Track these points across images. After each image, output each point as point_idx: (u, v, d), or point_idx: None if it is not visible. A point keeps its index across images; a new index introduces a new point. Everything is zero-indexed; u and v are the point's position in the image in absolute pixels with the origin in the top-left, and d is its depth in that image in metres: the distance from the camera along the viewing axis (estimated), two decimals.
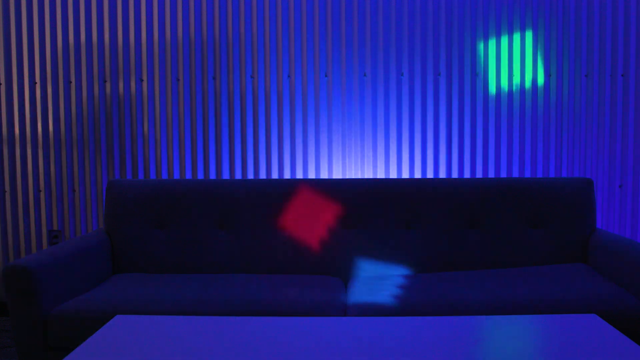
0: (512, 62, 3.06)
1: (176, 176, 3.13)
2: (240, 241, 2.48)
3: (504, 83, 3.07)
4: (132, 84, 3.14)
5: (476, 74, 3.07)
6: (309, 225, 2.48)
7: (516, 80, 3.07)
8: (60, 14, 3.13)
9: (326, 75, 3.09)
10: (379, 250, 2.45)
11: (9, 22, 3.15)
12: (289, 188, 2.52)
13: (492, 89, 3.07)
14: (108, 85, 3.14)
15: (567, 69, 3.06)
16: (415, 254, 2.44)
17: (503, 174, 3.08)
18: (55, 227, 3.22)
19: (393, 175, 3.10)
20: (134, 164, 3.14)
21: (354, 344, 1.42)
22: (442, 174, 3.09)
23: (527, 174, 3.08)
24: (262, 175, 3.12)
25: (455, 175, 3.09)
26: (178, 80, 3.12)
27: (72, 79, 3.16)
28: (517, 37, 3.06)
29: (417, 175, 3.09)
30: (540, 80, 3.06)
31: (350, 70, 3.08)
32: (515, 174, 3.08)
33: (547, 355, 1.32)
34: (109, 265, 2.47)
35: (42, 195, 3.21)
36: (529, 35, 3.06)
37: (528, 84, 3.06)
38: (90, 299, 2.05)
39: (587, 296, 1.98)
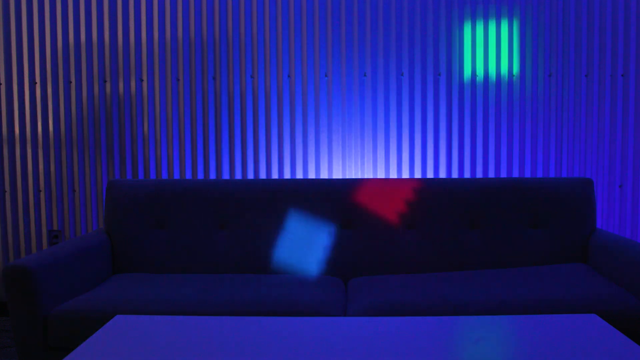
0: (513, 62, 3.06)
1: (176, 176, 3.13)
2: (240, 241, 2.48)
3: (504, 83, 3.07)
4: (132, 84, 3.14)
5: (476, 74, 3.07)
6: (309, 225, 2.48)
7: (516, 80, 3.07)
8: (60, 14, 3.13)
9: (326, 75, 3.09)
10: (379, 250, 2.45)
11: (9, 22, 3.15)
12: (289, 188, 2.52)
13: (492, 89, 3.07)
14: (108, 85, 3.14)
15: (567, 69, 3.06)
16: (415, 254, 2.44)
17: (503, 174, 3.08)
18: (55, 227, 3.22)
19: (393, 175, 3.10)
20: (134, 164, 3.14)
21: (354, 344, 1.42)
22: (442, 174, 3.09)
23: (527, 174, 3.08)
24: (262, 175, 3.12)
25: (455, 175, 3.09)
26: (178, 80, 3.12)
27: (72, 79, 3.16)
28: (516, 37, 3.06)
29: (417, 175, 3.09)
30: (540, 79, 3.07)
31: (350, 70, 3.08)
32: (515, 174, 3.08)
33: (547, 355, 1.32)
34: (109, 265, 2.47)
35: (42, 195, 3.21)
36: (528, 34, 3.06)
37: (528, 83, 3.06)
38: (90, 299, 2.05)
39: (587, 296, 1.97)
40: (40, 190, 3.21)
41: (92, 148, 3.17)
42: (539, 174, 3.08)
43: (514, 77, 3.07)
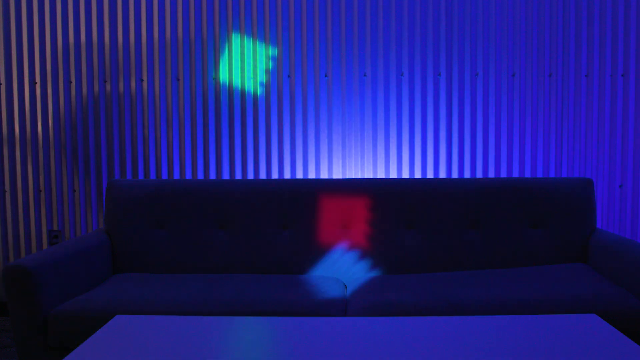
0: (513, 62, 3.06)
1: (176, 176, 3.13)
2: (240, 241, 2.48)
3: (504, 83, 3.07)
4: (132, 84, 3.14)
5: (476, 74, 3.07)
6: (309, 225, 2.48)
7: (516, 79, 3.07)
8: (60, 14, 3.13)
9: (326, 75, 3.09)
10: (379, 250, 2.45)
11: (9, 22, 3.15)
12: (289, 188, 2.52)
13: (492, 89, 3.07)
14: (108, 85, 3.14)
15: (567, 69, 3.06)
16: (415, 254, 2.44)
17: (503, 174, 3.08)
18: (55, 227, 3.22)
19: (393, 175, 3.10)
20: (134, 164, 3.14)
21: (354, 344, 1.42)
22: (442, 174, 3.09)
23: (527, 174, 3.08)
24: (262, 175, 3.12)
25: (455, 175, 3.09)
26: (178, 80, 3.12)
27: (72, 78, 3.16)
28: (517, 37, 3.06)
29: (417, 175, 3.09)
30: (540, 79, 3.06)
31: (350, 70, 3.08)
32: (515, 174, 3.08)
33: (547, 355, 1.32)
34: (109, 265, 2.47)
35: (42, 195, 3.21)
36: (529, 33, 3.06)
37: (528, 83, 3.06)
38: (90, 299, 2.05)
39: (587, 296, 1.97)
40: (40, 190, 3.21)
41: (92, 148, 3.17)
42: (539, 174, 3.08)
43: (514, 77, 3.07)
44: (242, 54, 3.12)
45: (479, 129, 3.08)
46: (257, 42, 3.10)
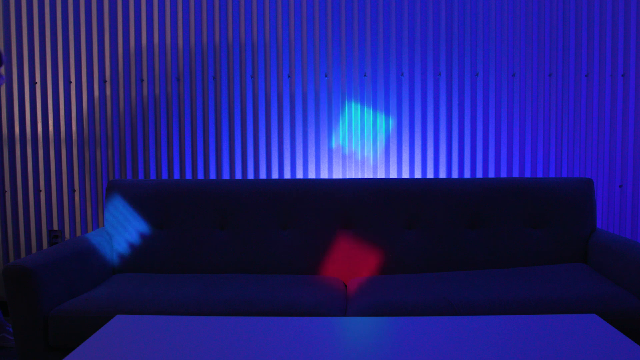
0: (513, 63, 3.06)
1: (176, 176, 3.13)
2: (240, 241, 2.48)
3: (504, 83, 3.07)
4: (132, 84, 3.14)
5: (476, 74, 3.07)
6: (309, 225, 2.48)
7: (516, 79, 3.07)
8: (60, 14, 3.13)
9: (326, 75, 3.09)
10: (379, 250, 2.45)
11: (9, 22, 3.15)
12: (289, 188, 2.52)
13: (492, 89, 3.07)
14: (108, 85, 3.14)
15: (567, 69, 3.06)
16: (415, 254, 2.44)
17: (503, 174, 3.08)
18: (55, 227, 3.22)
19: (393, 175, 3.10)
20: (134, 164, 3.14)
21: (354, 344, 1.42)
22: (442, 174, 3.09)
23: (527, 174, 3.08)
24: (262, 175, 3.12)
25: (455, 175, 3.09)
26: (178, 80, 3.12)
27: (72, 79, 3.16)
28: (517, 35, 3.06)
29: (417, 175, 3.09)
30: (540, 79, 3.06)
31: (350, 70, 3.08)
32: (515, 174, 3.08)
33: (547, 355, 1.32)
34: (109, 265, 2.47)
35: (42, 195, 3.21)
36: (529, 33, 3.06)
37: (528, 83, 3.06)
38: (90, 299, 2.05)
39: (587, 296, 1.97)
40: (40, 190, 3.21)
41: (92, 148, 3.17)
42: (539, 174, 3.08)
43: (514, 77, 3.07)
44: (243, 53, 3.12)
45: (479, 128, 3.08)
46: (257, 42, 3.10)
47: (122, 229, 2.51)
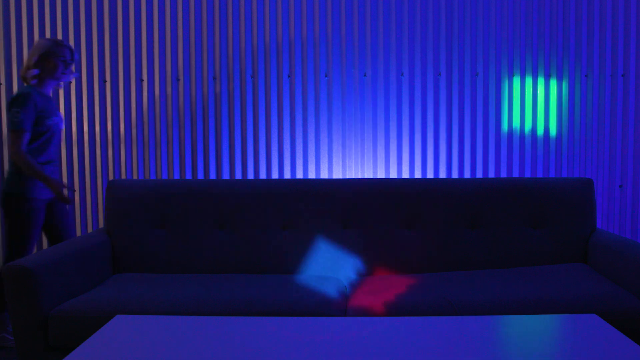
0: (513, 63, 3.06)
1: (176, 176, 3.13)
2: (240, 241, 2.48)
3: (504, 83, 3.07)
4: (132, 84, 3.14)
5: (476, 74, 3.07)
6: (309, 225, 2.48)
7: (516, 79, 3.07)
8: (60, 14, 3.13)
9: (326, 75, 3.09)
10: (379, 250, 2.45)
11: (9, 22, 3.15)
12: (289, 188, 2.52)
13: (492, 89, 3.07)
14: (108, 85, 3.14)
15: (567, 69, 3.06)
16: (415, 254, 2.44)
17: (503, 174, 3.08)
18: None
19: (393, 175, 3.10)
20: (134, 164, 3.14)
21: (354, 344, 1.42)
22: (442, 174, 3.09)
23: (527, 174, 3.08)
24: (262, 175, 3.12)
25: (455, 175, 3.09)
26: (178, 80, 3.12)
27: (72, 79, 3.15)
28: (517, 37, 3.06)
29: (417, 175, 3.09)
30: (540, 79, 3.07)
31: (350, 70, 3.08)
32: (515, 174, 3.08)
33: (547, 356, 1.32)
34: (109, 265, 2.47)
35: None
36: (529, 34, 3.06)
37: (528, 83, 3.06)
38: (90, 299, 2.05)
39: (587, 296, 1.97)
40: None
41: (92, 148, 3.17)
42: (539, 174, 3.08)
43: (514, 77, 3.07)
44: (243, 53, 3.12)
45: (480, 128, 3.08)
46: (257, 42, 3.10)
47: (122, 229, 2.51)
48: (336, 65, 3.08)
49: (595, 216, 2.51)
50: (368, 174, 3.09)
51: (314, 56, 3.08)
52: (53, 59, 2.57)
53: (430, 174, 3.09)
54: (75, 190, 3.19)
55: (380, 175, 3.09)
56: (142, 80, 3.13)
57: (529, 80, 3.06)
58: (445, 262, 2.44)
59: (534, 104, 3.07)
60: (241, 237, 2.49)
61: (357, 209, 2.48)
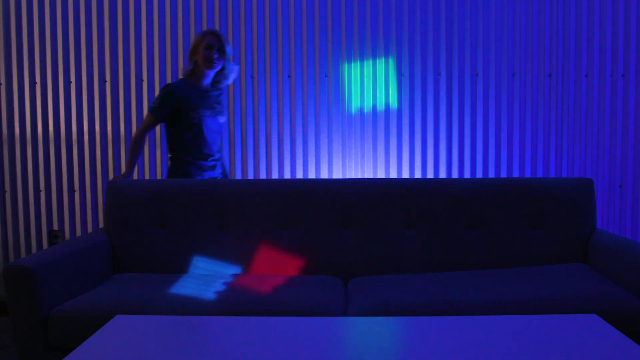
0: (513, 63, 3.07)
1: None
2: (240, 241, 2.48)
3: (504, 83, 3.07)
4: (133, 84, 3.14)
5: (476, 74, 3.07)
6: (309, 225, 2.48)
7: (516, 79, 3.07)
8: (60, 14, 3.13)
9: (326, 75, 3.09)
10: (379, 250, 2.45)
11: (9, 22, 3.15)
12: (289, 188, 2.52)
13: (492, 89, 3.07)
14: (108, 85, 3.14)
15: (567, 69, 3.06)
16: (415, 254, 2.44)
17: (503, 174, 3.08)
18: (55, 227, 3.22)
19: (393, 175, 3.10)
20: None
21: (354, 344, 1.42)
22: (442, 174, 3.09)
23: (527, 174, 3.08)
24: (262, 175, 3.12)
25: (455, 175, 3.09)
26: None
27: (72, 79, 3.16)
28: (517, 35, 3.06)
29: (417, 175, 3.09)
30: (540, 79, 3.07)
31: (350, 70, 3.08)
32: (515, 174, 3.08)
33: (547, 355, 1.32)
34: (109, 265, 2.47)
35: (42, 195, 3.21)
36: (529, 34, 3.06)
37: (528, 83, 3.06)
38: (90, 299, 2.05)
39: (587, 296, 1.97)
40: (41, 190, 3.21)
41: (92, 148, 3.17)
42: (539, 174, 3.08)
43: (514, 77, 3.07)
44: (243, 53, 3.11)
45: (479, 128, 3.07)
46: (257, 42, 3.10)
47: (122, 229, 2.51)
48: (336, 65, 3.08)
49: (595, 216, 2.50)
50: (368, 174, 3.09)
51: (314, 56, 3.08)
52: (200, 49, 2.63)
53: (430, 174, 3.09)
54: (75, 190, 3.19)
55: (380, 175, 3.09)
56: (142, 80, 3.13)
57: (529, 80, 3.06)
58: (445, 262, 2.43)
59: (534, 104, 3.07)
60: (241, 237, 2.49)
61: (357, 209, 2.48)
